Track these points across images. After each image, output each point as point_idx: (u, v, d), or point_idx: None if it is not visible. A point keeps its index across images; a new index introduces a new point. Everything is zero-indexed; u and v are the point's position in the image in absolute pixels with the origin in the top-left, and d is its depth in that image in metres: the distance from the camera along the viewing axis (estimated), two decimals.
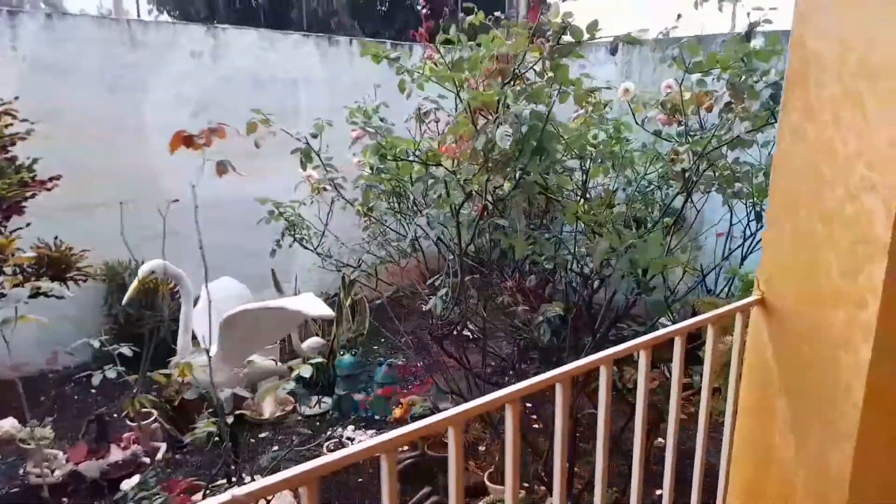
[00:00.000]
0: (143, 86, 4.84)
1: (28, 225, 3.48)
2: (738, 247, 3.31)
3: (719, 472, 1.80)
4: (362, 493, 3.41)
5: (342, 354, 4.22)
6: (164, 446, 3.61)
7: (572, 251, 2.85)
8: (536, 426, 4.02)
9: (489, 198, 2.62)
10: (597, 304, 3.27)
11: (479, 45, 2.59)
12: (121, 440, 3.56)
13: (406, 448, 3.51)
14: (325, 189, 3.45)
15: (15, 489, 3.32)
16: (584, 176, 3.49)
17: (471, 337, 4.13)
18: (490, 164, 2.40)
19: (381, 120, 3.27)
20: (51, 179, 3.34)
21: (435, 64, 2.76)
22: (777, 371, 1.62)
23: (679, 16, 2.68)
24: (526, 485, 3.25)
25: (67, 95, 4.56)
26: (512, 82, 2.58)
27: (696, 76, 2.77)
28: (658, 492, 1.89)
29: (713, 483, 1.83)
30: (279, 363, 4.00)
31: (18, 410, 3.50)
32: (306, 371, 2.21)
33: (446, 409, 1.17)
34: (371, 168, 2.98)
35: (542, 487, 3.26)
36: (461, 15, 2.67)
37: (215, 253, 4.92)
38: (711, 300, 2.49)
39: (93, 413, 3.60)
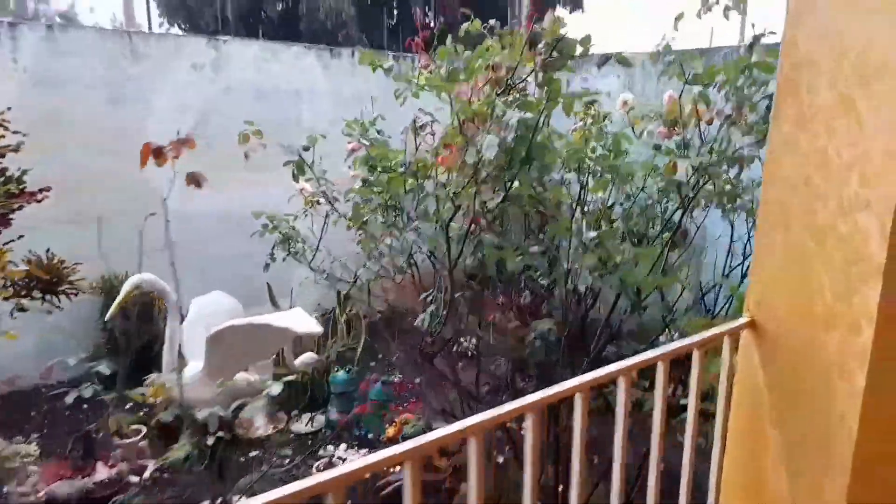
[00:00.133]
0: (143, 97, 4.84)
1: (20, 237, 3.44)
2: (739, 264, 3.21)
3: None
4: None
5: (336, 371, 4.15)
6: (152, 464, 3.54)
7: (567, 266, 2.77)
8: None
9: (479, 211, 2.55)
10: (597, 321, 3.19)
11: (476, 55, 2.54)
12: (108, 458, 3.50)
13: (395, 469, 3.40)
14: (318, 202, 3.41)
15: None
16: (582, 189, 3.42)
17: (469, 354, 4.05)
18: (479, 177, 2.34)
19: (378, 132, 3.23)
20: (41, 191, 3.30)
21: (431, 73, 2.71)
22: (768, 398, 1.53)
23: (677, 19, 2.60)
24: None
25: (67, 107, 4.56)
26: (506, 93, 2.53)
27: (697, 88, 2.71)
28: None
29: None
30: (271, 380, 3.94)
31: (5, 426, 3.45)
32: (276, 389, 2.14)
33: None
34: (363, 181, 2.92)
35: None
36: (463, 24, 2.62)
37: (220, 265, 4.94)
38: (702, 321, 2.39)
39: (82, 429, 3.54)
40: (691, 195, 2.67)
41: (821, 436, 1.41)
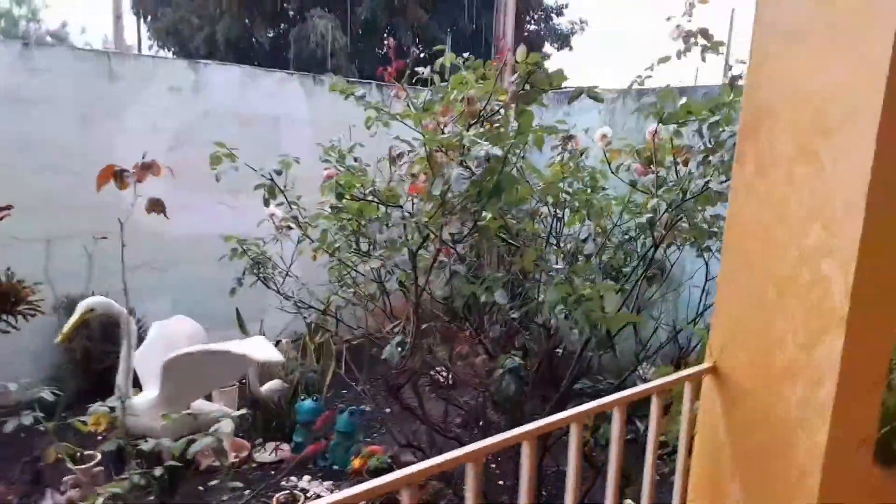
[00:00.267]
0: (118, 118, 4.76)
1: None
2: (713, 304, 3.17)
3: None
4: None
5: (303, 399, 4.04)
6: (101, 498, 3.39)
7: (538, 300, 2.72)
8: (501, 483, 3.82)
9: (448, 241, 2.50)
10: (572, 355, 3.13)
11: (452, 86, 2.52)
12: (60, 484, 3.36)
13: None
14: (289, 227, 3.34)
15: None
16: (558, 223, 3.39)
17: (440, 385, 3.96)
18: (447, 208, 2.29)
19: (355, 160, 3.19)
20: (1, 209, 3.21)
21: (409, 104, 2.68)
22: (730, 450, 1.47)
23: (661, 61, 2.61)
24: None
25: (39, 126, 4.47)
26: (479, 124, 2.50)
27: (674, 126, 2.70)
28: None
29: None
30: (234, 408, 3.84)
31: None
32: (228, 426, 2.05)
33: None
34: (331, 207, 2.87)
35: None
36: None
37: (194, 288, 4.84)
38: (662, 369, 2.34)
39: (31, 455, 3.40)
40: (663, 232, 2.64)
41: (781, 494, 1.36)
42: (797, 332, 1.34)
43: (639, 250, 3.25)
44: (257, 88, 5.44)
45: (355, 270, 3.39)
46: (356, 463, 3.74)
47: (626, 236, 3.31)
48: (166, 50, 13.03)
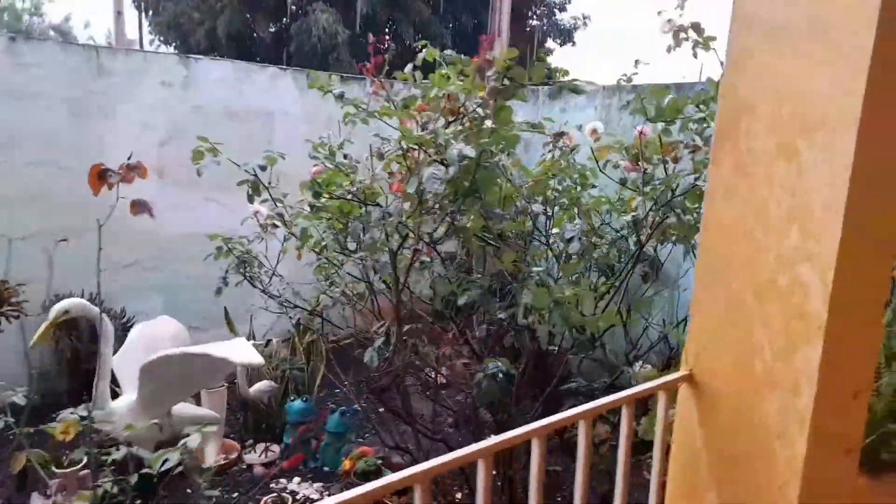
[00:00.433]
0: (109, 113, 4.71)
1: None
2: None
3: None
4: None
5: (293, 400, 3.99)
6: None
7: (519, 302, 2.66)
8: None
9: (427, 241, 2.45)
10: (562, 355, 3.07)
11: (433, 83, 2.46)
12: (46, 488, 3.32)
13: None
14: (275, 225, 3.29)
15: None
16: (548, 221, 3.33)
17: (430, 385, 3.91)
18: (424, 207, 2.24)
19: (345, 157, 3.13)
20: None
21: (387, 100, 2.62)
22: (706, 460, 1.41)
23: (637, 62, 2.55)
24: None
25: (27, 121, 4.42)
26: (458, 121, 2.44)
27: (662, 123, 2.63)
28: None
29: None
30: (223, 410, 3.79)
31: None
32: (194, 441, 1.99)
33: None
34: (311, 206, 2.81)
35: None
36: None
37: (186, 286, 4.79)
38: (645, 373, 2.28)
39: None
40: (650, 231, 2.57)
41: None
42: (775, 339, 1.28)
43: (632, 247, 3.19)
44: (251, 84, 5.37)
45: (342, 269, 3.34)
46: (347, 464, 3.69)
47: (619, 234, 3.25)
48: (168, 45, 13.00)
